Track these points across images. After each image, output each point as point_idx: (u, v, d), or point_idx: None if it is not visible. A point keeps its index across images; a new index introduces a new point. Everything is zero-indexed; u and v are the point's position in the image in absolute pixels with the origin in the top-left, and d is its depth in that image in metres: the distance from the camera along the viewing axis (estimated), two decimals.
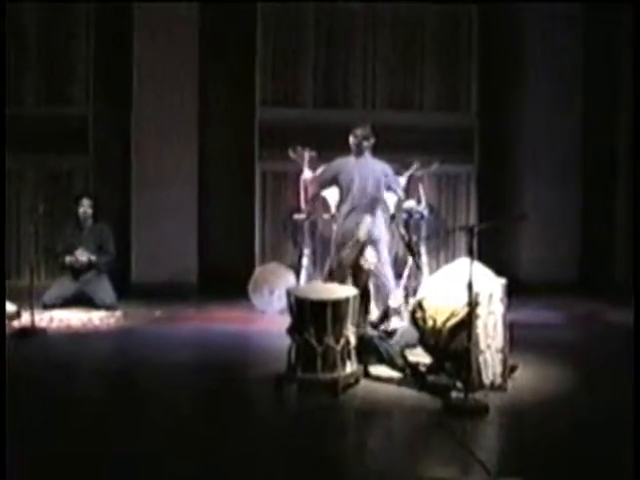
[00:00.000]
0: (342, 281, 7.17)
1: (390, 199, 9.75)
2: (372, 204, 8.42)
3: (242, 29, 11.36)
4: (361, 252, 7.21)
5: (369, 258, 7.16)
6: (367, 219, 8.27)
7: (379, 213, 8.53)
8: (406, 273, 9.35)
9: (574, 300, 10.46)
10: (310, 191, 8.85)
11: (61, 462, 4.97)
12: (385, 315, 7.18)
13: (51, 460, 4.99)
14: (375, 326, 7.11)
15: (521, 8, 11.36)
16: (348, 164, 8.51)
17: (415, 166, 9.65)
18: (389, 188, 8.63)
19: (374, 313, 7.31)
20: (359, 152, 8.53)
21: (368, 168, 8.49)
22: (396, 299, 8.20)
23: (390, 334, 7.08)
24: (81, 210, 9.95)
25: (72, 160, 11.30)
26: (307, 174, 9.03)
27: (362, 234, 7.72)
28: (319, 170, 8.91)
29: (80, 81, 11.33)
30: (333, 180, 8.51)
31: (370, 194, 8.41)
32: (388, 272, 8.43)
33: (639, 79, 9.95)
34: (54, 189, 11.21)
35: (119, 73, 11.07)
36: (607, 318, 9.53)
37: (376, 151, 9.46)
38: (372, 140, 8.61)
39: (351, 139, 8.56)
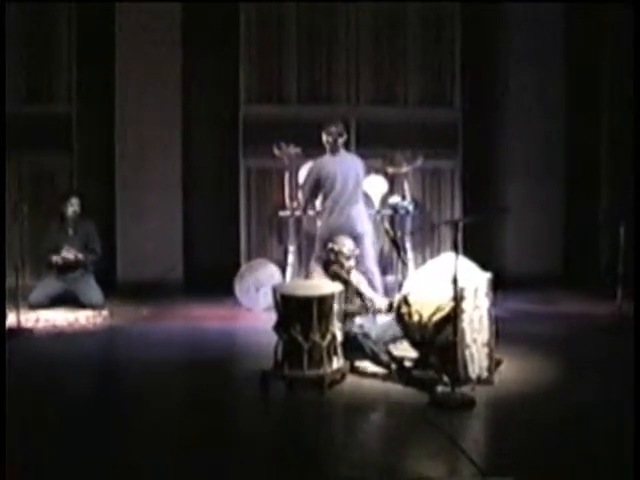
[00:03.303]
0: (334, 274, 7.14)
1: (375, 195, 9.79)
2: (354, 198, 8.45)
3: (225, 26, 11.33)
4: (333, 241, 7.19)
5: (345, 243, 7.15)
6: (352, 213, 8.31)
7: (362, 207, 8.57)
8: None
9: (559, 293, 10.50)
10: (302, 200, 8.87)
11: (46, 461, 4.98)
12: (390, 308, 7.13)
13: (37, 459, 5.00)
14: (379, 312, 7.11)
15: (504, 4, 11.38)
16: (327, 162, 8.55)
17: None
18: None
19: (379, 301, 7.30)
20: (335, 149, 8.56)
21: (347, 163, 8.55)
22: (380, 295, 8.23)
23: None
24: (70, 210, 9.87)
25: (56, 158, 11.26)
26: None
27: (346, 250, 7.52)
28: (302, 173, 8.99)
29: (63, 79, 11.28)
30: (317, 182, 8.53)
31: (352, 188, 8.45)
32: (373, 267, 8.46)
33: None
34: (38, 188, 11.17)
35: (102, 71, 11.01)
36: (591, 310, 9.57)
37: (360, 146, 9.52)
38: (345, 136, 8.65)
39: (325, 137, 8.58)
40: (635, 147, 10.19)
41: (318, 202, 8.73)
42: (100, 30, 11.00)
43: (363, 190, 8.76)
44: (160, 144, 10.95)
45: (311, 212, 9.24)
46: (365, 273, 7.97)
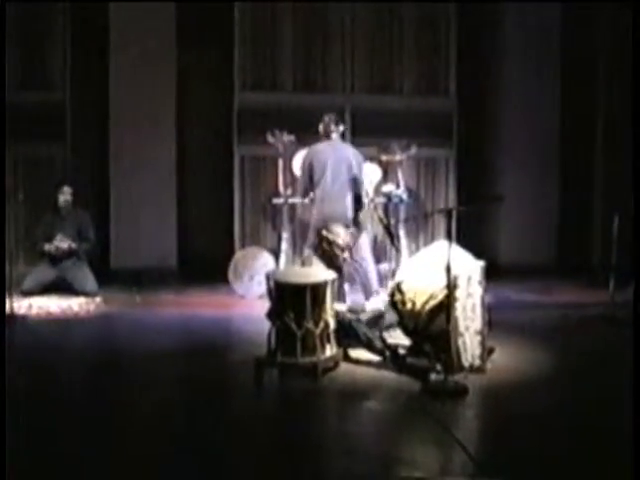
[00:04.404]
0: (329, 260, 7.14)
1: (369, 183, 9.78)
2: (347, 186, 8.46)
3: (220, 14, 11.31)
4: (328, 229, 7.21)
5: (337, 231, 7.15)
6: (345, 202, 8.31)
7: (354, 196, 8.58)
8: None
9: (552, 282, 10.52)
10: (300, 187, 8.84)
11: (42, 448, 4.98)
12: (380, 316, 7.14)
13: (33, 447, 5.00)
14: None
15: None
16: (318, 149, 8.57)
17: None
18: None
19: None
20: (327, 137, 8.59)
21: (339, 152, 8.56)
22: (374, 283, 8.26)
23: (378, 316, 7.09)
24: (62, 198, 9.88)
25: (50, 147, 11.23)
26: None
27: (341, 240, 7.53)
28: (297, 162, 9.00)
29: (57, 67, 11.25)
30: (310, 169, 8.56)
31: (344, 177, 8.46)
32: (368, 256, 8.48)
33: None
34: (32, 176, 11.14)
35: (96, 59, 10.99)
36: (585, 300, 9.59)
37: (355, 135, 9.47)
38: (341, 126, 8.66)
39: (320, 126, 8.62)
40: (634, 138, 10.19)
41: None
42: (95, 18, 10.96)
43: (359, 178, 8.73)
44: (154, 132, 10.94)
45: (306, 199, 9.22)
46: (359, 261, 7.98)
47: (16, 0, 10.71)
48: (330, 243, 7.10)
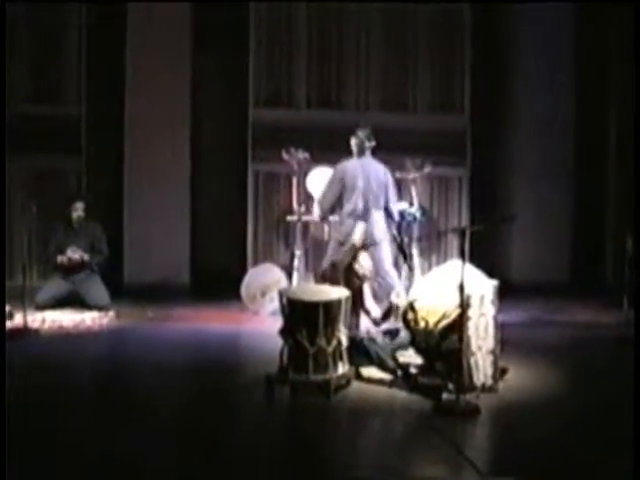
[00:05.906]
0: (334, 283, 7.14)
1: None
2: (376, 205, 8.49)
3: (235, 30, 11.36)
4: (355, 257, 7.20)
5: (364, 264, 7.16)
6: (361, 225, 8.27)
7: (381, 215, 8.58)
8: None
9: (565, 301, 10.48)
10: (324, 206, 8.87)
11: (51, 463, 4.99)
12: (388, 312, 7.14)
13: (42, 461, 5.01)
14: (378, 324, 7.12)
15: (513, 9, 11.39)
16: (351, 165, 8.61)
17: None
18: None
19: (375, 311, 7.31)
20: (361, 153, 8.62)
21: (371, 168, 8.60)
22: (399, 296, 8.24)
23: (393, 333, 7.07)
24: (75, 214, 9.91)
25: (65, 160, 11.28)
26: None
27: (357, 239, 7.61)
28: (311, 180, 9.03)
29: (73, 81, 11.31)
30: (342, 186, 8.58)
31: (373, 194, 8.48)
32: (391, 270, 8.51)
33: None
34: (47, 189, 11.18)
35: (112, 73, 11.06)
36: (598, 319, 9.56)
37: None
38: (373, 142, 8.68)
39: (353, 141, 8.65)
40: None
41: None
42: (110, 32, 11.03)
43: (386, 197, 8.72)
44: (169, 147, 10.98)
45: (332, 218, 9.12)
46: (383, 276, 8.01)
47: (30, 8, 10.78)
48: (356, 274, 7.09)
